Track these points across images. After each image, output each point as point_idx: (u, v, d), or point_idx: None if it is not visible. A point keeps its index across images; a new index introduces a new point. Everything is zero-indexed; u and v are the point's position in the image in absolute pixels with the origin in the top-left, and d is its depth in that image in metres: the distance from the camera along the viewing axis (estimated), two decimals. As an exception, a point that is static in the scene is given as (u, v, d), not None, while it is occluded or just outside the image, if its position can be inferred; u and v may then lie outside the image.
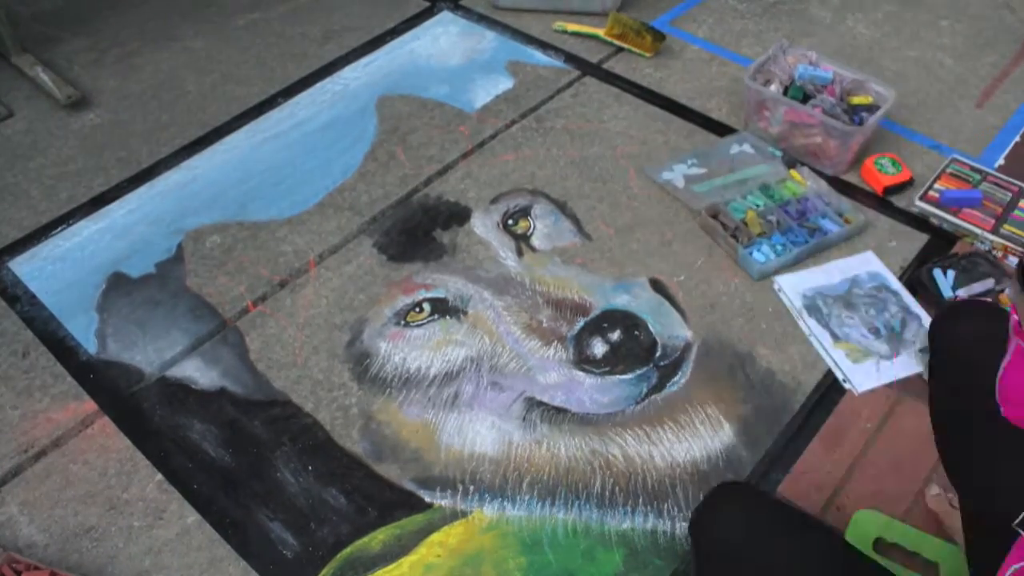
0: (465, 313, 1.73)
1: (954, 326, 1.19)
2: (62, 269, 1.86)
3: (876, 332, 1.68)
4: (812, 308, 1.73)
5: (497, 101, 2.26)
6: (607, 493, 1.46)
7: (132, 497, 1.47)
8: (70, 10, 2.65)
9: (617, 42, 2.41)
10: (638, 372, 1.62)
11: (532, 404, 1.58)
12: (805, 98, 2.05)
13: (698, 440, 1.53)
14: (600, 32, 2.44)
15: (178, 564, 1.39)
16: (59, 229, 1.95)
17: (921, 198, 1.91)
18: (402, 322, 1.73)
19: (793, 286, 1.77)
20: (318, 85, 2.33)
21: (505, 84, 2.32)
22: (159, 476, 1.50)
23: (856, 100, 2.02)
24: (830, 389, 1.60)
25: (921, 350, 1.64)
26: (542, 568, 1.37)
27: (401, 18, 2.58)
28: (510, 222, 1.93)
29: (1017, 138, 2.13)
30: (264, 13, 2.63)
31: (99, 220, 1.97)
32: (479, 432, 1.55)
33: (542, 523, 1.42)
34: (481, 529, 1.42)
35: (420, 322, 1.72)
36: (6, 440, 1.56)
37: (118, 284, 1.83)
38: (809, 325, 1.70)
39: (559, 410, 1.57)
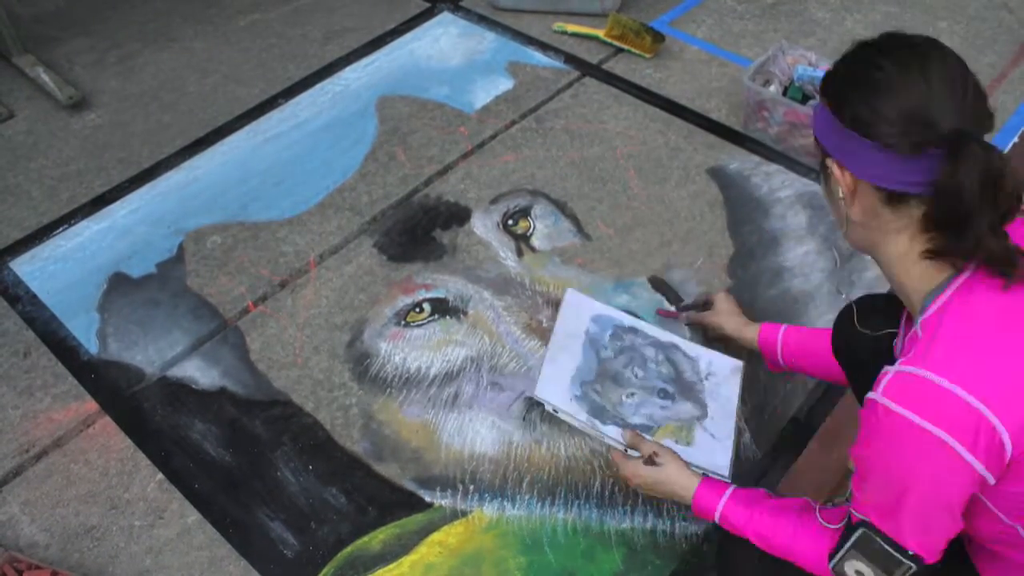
0: (465, 313, 1.74)
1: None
2: (63, 269, 1.86)
3: (665, 394, 1.49)
4: (595, 408, 1.47)
5: (497, 102, 2.26)
6: (607, 493, 1.46)
7: (133, 497, 1.48)
8: (71, 11, 2.65)
9: (617, 43, 2.42)
10: (638, 372, 1.62)
11: (532, 404, 1.58)
12: (804, 98, 2.05)
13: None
14: (600, 33, 2.45)
15: (179, 563, 1.39)
16: (60, 229, 1.95)
17: None
18: (402, 322, 1.73)
19: (555, 395, 1.49)
20: (318, 86, 2.33)
21: (505, 85, 2.32)
22: (160, 476, 1.50)
23: (855, 101, 2.02)
24: (829, 389, 1.61)
25: None
26: (542, 567, 1.37)
27: (401, 19, 2.58)
28: (510, 222, 1.93)
29: (1015, 139, 2.14)
30: (264, 14, 2.63)
31: (100, 220, 1.97)
32: (479, 432, 1.55)
33: (542, 523, 1.43)
34: (481, 529, 1.42)
35: (420, 322, 1.73)
36: (7, 440, 1.56)
37: (119, 284, 1.83)
38: (610, 433, 1.44)
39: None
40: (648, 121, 2.20)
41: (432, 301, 1.76)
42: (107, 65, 2.44)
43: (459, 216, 1.96)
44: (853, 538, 0.97)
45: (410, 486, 1.48)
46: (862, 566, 0.97)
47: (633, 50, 2.40)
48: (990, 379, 0.84)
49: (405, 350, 1.68)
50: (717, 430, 1.48)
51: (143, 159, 2.13)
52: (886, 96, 0.89)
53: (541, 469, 1.50)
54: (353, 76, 2.37)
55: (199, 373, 1.66)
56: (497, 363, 1.65)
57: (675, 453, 1.27)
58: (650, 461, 1.27)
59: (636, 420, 1.48)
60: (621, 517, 1.43)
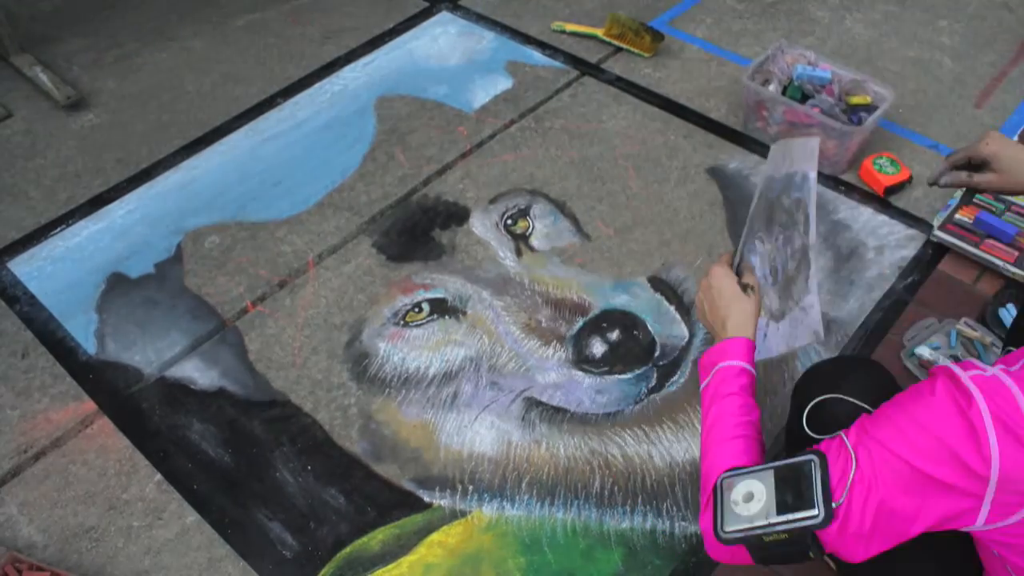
0: (464, 313, 1.74)
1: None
2: (61, 270, 1.86)
3: (774, 273, 1.39)
4: (757, 211, 1.31)
5: (496, 101, 2.26)
6: (606, 493, 1.46)
7: (131, 497, 1.48)
8: (69, 10, 2.65)
9: (616, 42, 2.42)
10: (637, 372, 1.62)
11: (531, 404, 1.58)
12: (804, 98, 2.05)
13: (697, 440, 1.53)
14: (599, 32, 2.44)
15: (177, 564, 1.39)
16: (58, 230, 1.95)
17: (941, 227, 1.82)
18: (401, 322, 1.73)
19: (769, 164, 1.33)
20: (317, 85, 2.33)
21: (504, 84, 2.32)
22: (158, 476, 1.50)
23: (855, 100, 2.02)
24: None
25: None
26: (541, 568, 1.37)
27: (400, 18, 2.58)
28: (509, 222, 1.93)
29: (1015, 138, 2.13)
30: (263, 13, 2.63)
31: (98, 221, 1.97)
32: (478, 432, 1.55)
33: (541, 523, 1.42)
34: (480, 529, 1.42)
35: (419, 322, 1.72)
36: (5, 440, 1.56)
37: (117, 284, 1.83)
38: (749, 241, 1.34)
39: (558, 410, 1.57)
40: (647, 120, 2.20)
41: (431, 301, 1.76)
42: (105, 65, 2.44)
43: (458, 216, 1.96)
44: (792, 460, 0.92)
45: (409, 486, 1.48)
46: (760, 487, 0.92)
47: (632, 49, 2.40)
48: None
49: (404, 350, 1.68)
50: (771, 336, 1.37)
51: (141, 159, 2.13)
52: None
53: (540, 469, 1.49)
54: (352, 76, 2.36)
55: (198, 373, 1.65)
56: (496, 363, 1.65)
57: (761, 303, 1.25)
58: (742, 287, 1.24)
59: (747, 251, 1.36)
60: (620, 517, 1.43)
